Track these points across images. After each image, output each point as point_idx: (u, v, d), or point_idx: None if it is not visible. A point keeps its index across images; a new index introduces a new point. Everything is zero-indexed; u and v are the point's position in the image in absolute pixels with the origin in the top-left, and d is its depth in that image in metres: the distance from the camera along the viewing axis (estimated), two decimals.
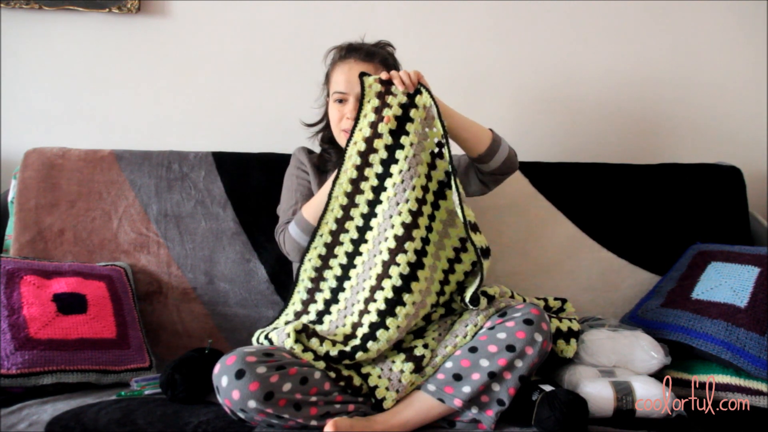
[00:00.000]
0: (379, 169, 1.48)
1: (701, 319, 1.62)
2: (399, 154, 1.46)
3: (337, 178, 1.50)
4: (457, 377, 1.36)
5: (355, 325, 1.43)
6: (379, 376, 1.39)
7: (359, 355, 1.39)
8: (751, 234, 2.00)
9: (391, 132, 1.47)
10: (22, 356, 1.47)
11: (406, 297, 1.41)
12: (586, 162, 2.05)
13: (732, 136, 2.25)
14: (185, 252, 1.87)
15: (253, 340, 1.50)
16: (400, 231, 1.43)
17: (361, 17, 2.13)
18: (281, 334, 1.39)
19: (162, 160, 1.92)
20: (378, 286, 1.42)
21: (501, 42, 2.19)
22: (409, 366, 1.39)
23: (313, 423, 1.31)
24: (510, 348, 1.36)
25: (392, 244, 1.43)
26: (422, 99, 1.48)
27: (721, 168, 2.05)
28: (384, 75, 1.49)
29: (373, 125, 1.48)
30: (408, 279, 1.41)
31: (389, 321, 1.40)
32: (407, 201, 1.44)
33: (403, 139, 1.46)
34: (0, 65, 2.09)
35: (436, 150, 1.51)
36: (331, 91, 1.66)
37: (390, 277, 1.41)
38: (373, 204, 1.49)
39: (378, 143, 1.47)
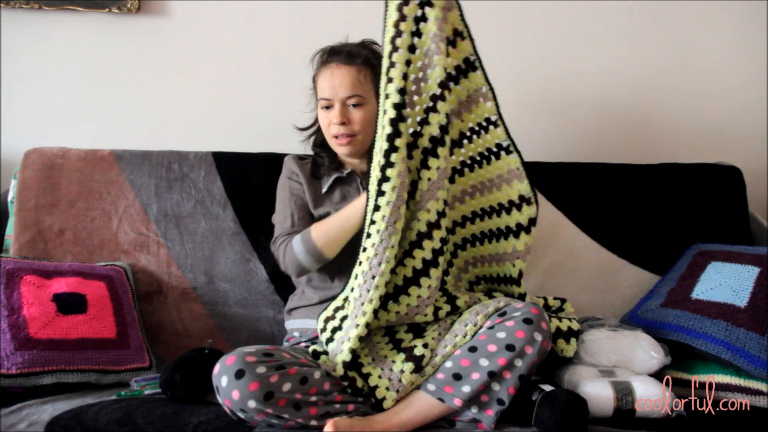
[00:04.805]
0: (406, 55, 1.46)
1: (701, 319, 1.62)
2: (418, 42, 1.45)
3: (389, 81, 1.44)
4: (457, 377, 1.36)
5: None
6: (380, 376, 1.39)
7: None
8: (751, 234, 2.00)
9: (415, 19, 1.46)
10: (22, 356, 1.47)
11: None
12: (586, 162, 2.05)
13: (732, 136, 2.25)
14: (185, 252, 1.87)
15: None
16: (436, 131, 1.46)
17: (361, 18, 2.10)
18: (337, 348, 1.39)
19: (162, 160, 1.92)
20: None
21: (501, 42, 2.18)
22: (409, 366, 1.39)
23: (313, 423, 1.31)
24: (510, 347, 1.36)
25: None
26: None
27: (721, 168, 2.05)
28: None
29: (396, 23, 1.46)
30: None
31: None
32: (430, 92, 1.46)
33: (422, 27, 1.46)
34: (0, 65, 2.10)
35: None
36: (318, 97, 1.66)
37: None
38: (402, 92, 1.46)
39: (405, 39, 1.45)
